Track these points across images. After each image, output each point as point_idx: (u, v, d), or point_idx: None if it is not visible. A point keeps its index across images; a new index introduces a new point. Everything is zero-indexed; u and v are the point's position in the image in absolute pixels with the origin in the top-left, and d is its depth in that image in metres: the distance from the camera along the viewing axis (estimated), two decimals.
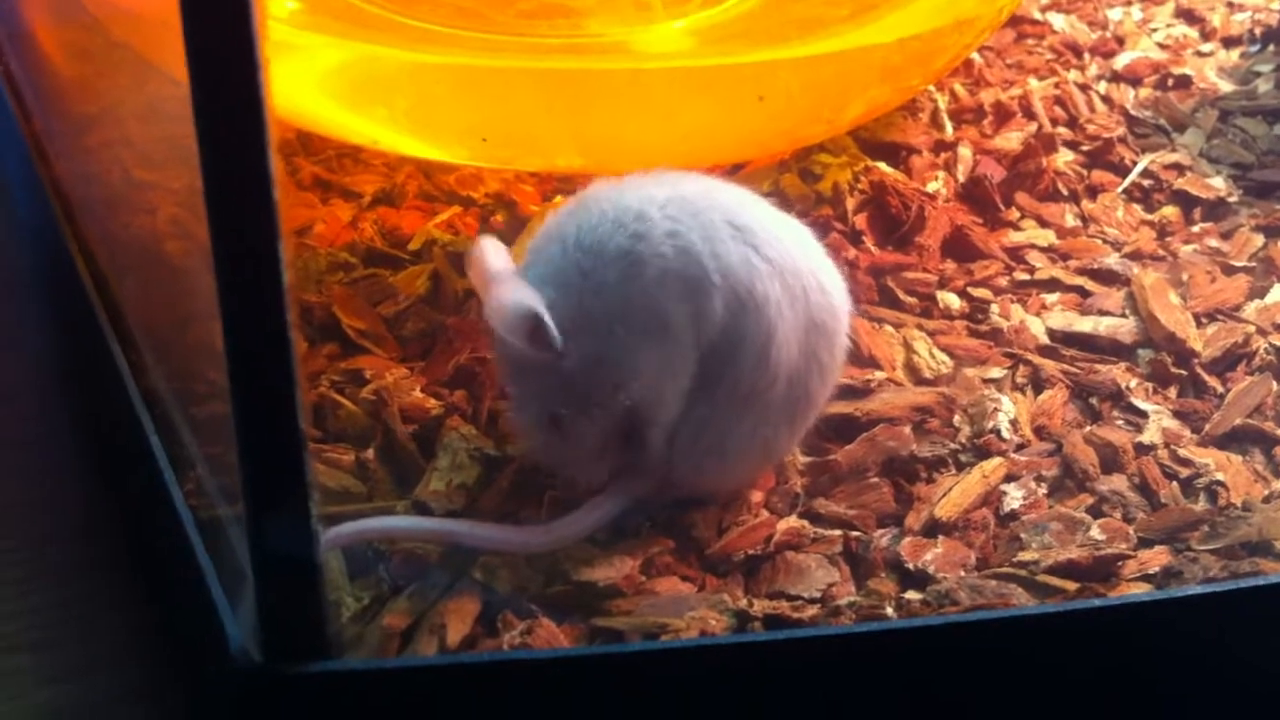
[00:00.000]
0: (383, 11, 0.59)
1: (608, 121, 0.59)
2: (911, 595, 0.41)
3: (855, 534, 0.43)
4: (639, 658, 0.37)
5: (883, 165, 0.62)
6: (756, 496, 0.45)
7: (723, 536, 0.43)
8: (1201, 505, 0.45)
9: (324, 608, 0.36)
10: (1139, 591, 0.40)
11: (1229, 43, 0.77)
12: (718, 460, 0.43)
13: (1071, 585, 0.41)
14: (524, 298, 0.40)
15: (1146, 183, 0.63)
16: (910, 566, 0.42)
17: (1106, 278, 0.57)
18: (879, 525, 0.44)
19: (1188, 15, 0.80)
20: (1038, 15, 0.79)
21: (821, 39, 0.60)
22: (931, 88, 0.68)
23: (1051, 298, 0.55)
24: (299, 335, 0.44)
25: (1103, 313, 0.54)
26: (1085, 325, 0.53)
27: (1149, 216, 0.61)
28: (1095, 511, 0.45)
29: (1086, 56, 0.75)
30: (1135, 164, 0.63)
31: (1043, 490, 0.45)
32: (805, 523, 0.44)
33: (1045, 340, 0.53)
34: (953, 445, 0.47)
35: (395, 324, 0.52)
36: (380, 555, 0.41)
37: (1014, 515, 0.44)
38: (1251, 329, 0.53)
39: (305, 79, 0.56)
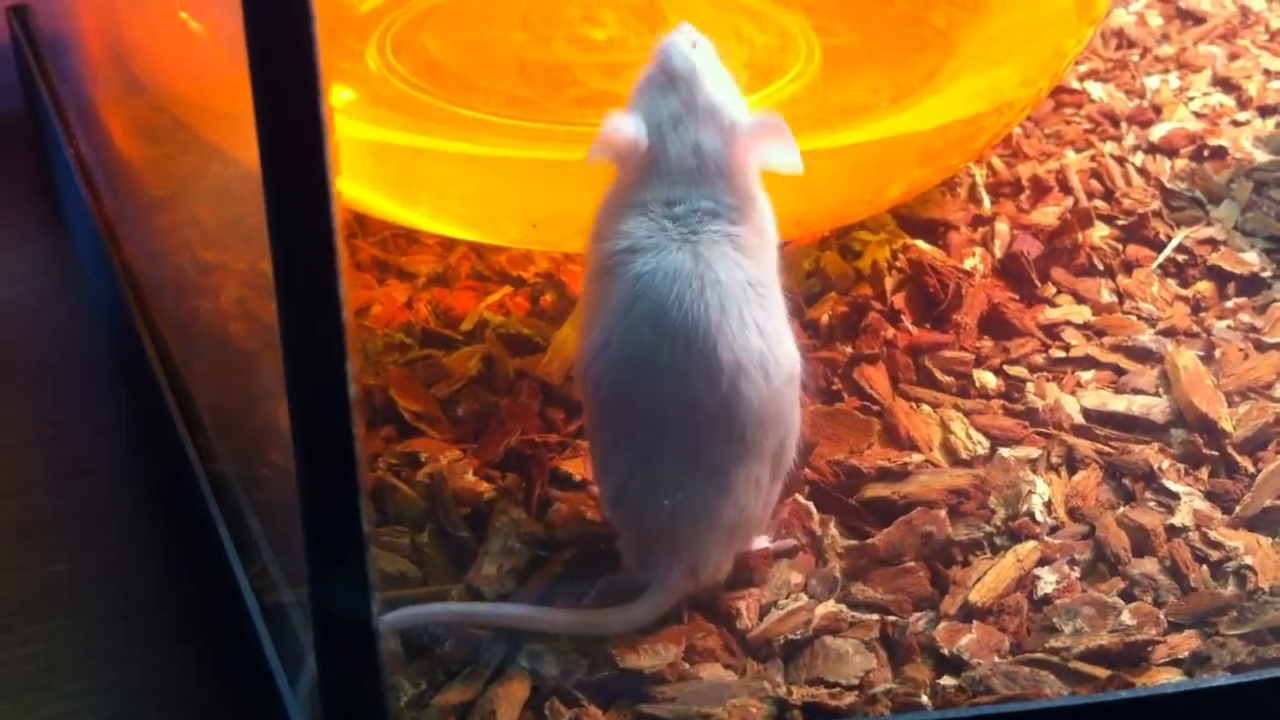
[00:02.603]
0: (437, 101, 0.61)
1: None
2: (947, 680, 0.42)
3: (892, 619, 0.45)
4: None
5: (921, 243, 0.63)
6: (797, 579, 0.46)
7: (764, 620, 0.45)
8: (1230, 589, 0.46)
9: (383, 691, 0.38)
10: (1167, 681, 0.41)
11: (1265, 111, 0.78)
12: None
13: (1103, 672, 0.42)
14: None
15: (1181, 258, 0.64)
16: (945, 652, 0.43)
17: (1141, 355, 0.58)
18: (915, 609, 0.45)
19: (1225, 83, 0.81)
20: (1075, 84, 0.81)
21: (864, 125, 0.61)
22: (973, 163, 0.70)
23: (1086, 375, 0.57)
24: (359, 417, 0.46)
25: (1136, 391, 0.56)
26: (1119, 404, 0.55)
27: (1184, 292, 0.62)
28: (1127, 595, 0.46)
29: (1124, 126, 0.76)
30: (1170, 239, 0.65)
31: (1076, 574, 0.47)
32: (844, 607, 0.45)
33: (1080, 419, 0.54)
34: (988, 528, 0.48)
35: (449, 405, 0.54)
36: (435, 639, 0.43)
37: (1047, 599, 0.46)
38: (1268, 401, 0.54)
39: (361, 167, 0.59)
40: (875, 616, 0.45)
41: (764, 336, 0.43)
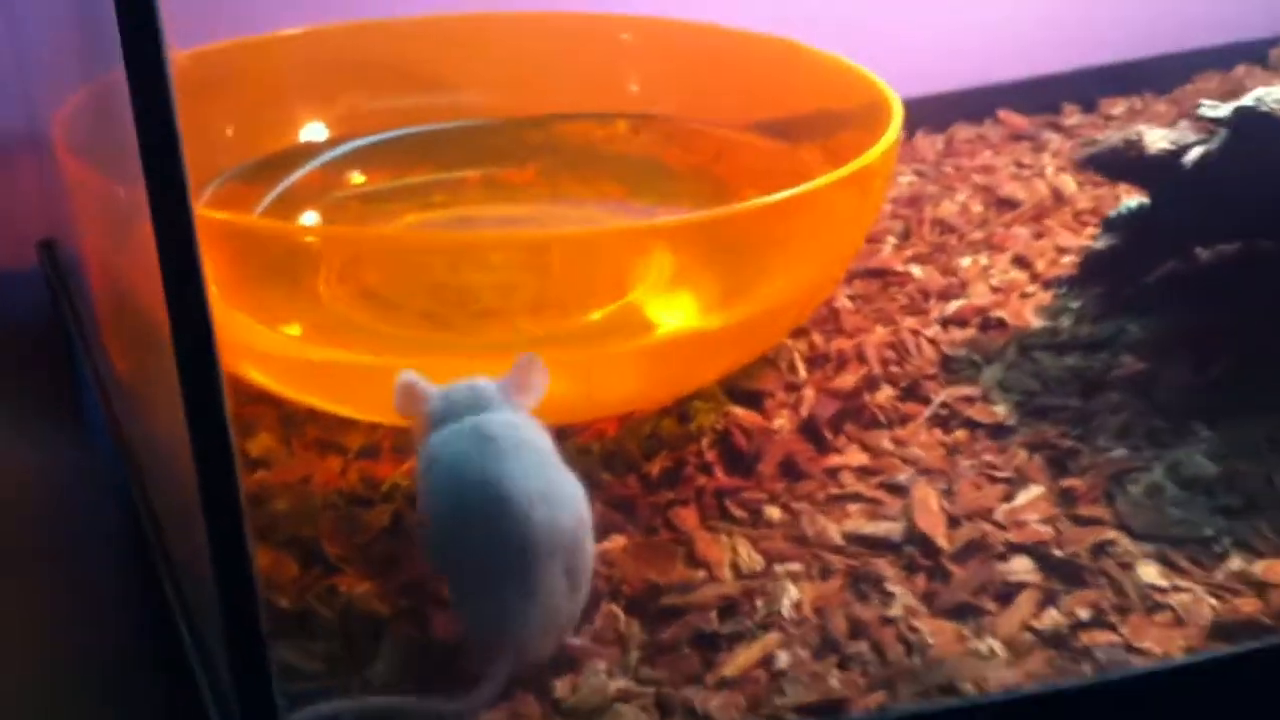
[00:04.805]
0: (368, 324, 0.81)
1: None
2: None
3: (666, 689, 0.62)
4: None
5: (739, 409, 0.82)
6: (603, 665, 0.64)
7: (575, 694, 0.62)
8: (916, 661, 0.63)
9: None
10: None
11: (1048, 284, 0.97)
12: None
13: None
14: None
15: (945, 412, 0.82)
16: (698, 710, 0.61)
17: (896, 490, 0.76)
18: (685, 683, 0.63)
19: (1021, 260, 1.00)
20: (900, 267, 1.00)
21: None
22: (791, 339, 0.89)
23: (853, 507, 0.75)
24: (292, 558, 0.65)
25: (885, 518, 0.73)
26: (870, 529, 0.73)
27: (945, 439, 0.80)
28: (841, 667, 0.63)
29: (932, 301, 0.95)
30: (937, 398, 0.83)
31: (806, 654, 0.64)
32: (634, 683, 0.63)
33: (839, 541, 0.72)
34: (749, 624, 0.66)
35: (364, 549, 0.72)
36: None
37: (782, 673, 0.63)
38: (990, 527, 0.72)
39: (309, 376, 0.78)
40: (653, 689, 0.62)
41: (548, 484, 0.61)
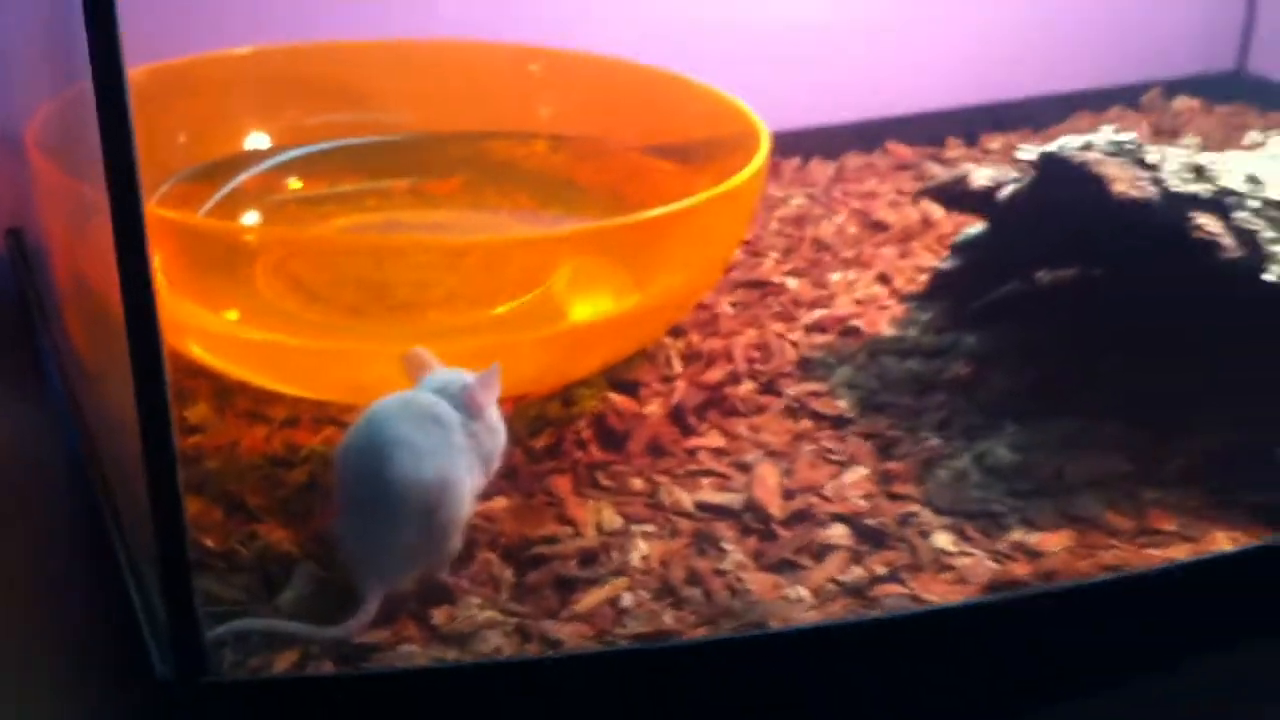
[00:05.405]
0: (298, 312, 0.93)
1: None
2: (551, 652, 0.72)
3: (528, 621, 0.75)
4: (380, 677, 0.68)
5: (617, 396, 0.94)
6: (477, 600, 0.76)
7: (451, 623, 0.74)
8: (736, 603, 0.76)
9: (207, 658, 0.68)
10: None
11: (904, 298, 1.10)
12: None
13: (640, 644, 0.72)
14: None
15: (795, 405, 0.95)
16: (551, 637, 0.73)
17: (744, 468, 0.88)
18: (545, 617, 0.75)
19: (884, 277, 1.13)
20: (777, 279, 1.13)
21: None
22: (671, 338, 1.01)
23: (706, 481, 0.87)
24: (220, 508, 0.77)
25: (730, 490, 0.86)
26: (717, 499, 0.85)
27: (793, 427, 0.93)
28: (675, 607, 0.76)
29: (802, 310, 1.08)
30: (788, 391, 0.96)
31: (648, 596, 0.77)
32: (500, 614, 0.75)
33: (690, 508, 0.85)
34: (603, 572, 0.78)
35: (285, 504, 0.84)
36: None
37: (625, 610, 0.75)
38: (817, 499, 0.84)
39: (245, 355, 0.90)
40: (516, 620, 0.75)
41: (426, 446, 0.74)
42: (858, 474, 0.87)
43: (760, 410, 0.95)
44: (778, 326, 1.05)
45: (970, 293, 1.04)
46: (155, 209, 0.92)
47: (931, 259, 1.16)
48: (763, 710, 0.71)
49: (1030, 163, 0.90)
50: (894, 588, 0.77)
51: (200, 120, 1.12)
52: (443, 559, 0.76)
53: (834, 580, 0.78)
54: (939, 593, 0.77)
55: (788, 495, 0.85)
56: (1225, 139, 1.35)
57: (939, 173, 0.98)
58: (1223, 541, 0.81)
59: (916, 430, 0.92)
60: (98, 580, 0.81)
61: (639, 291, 0.96)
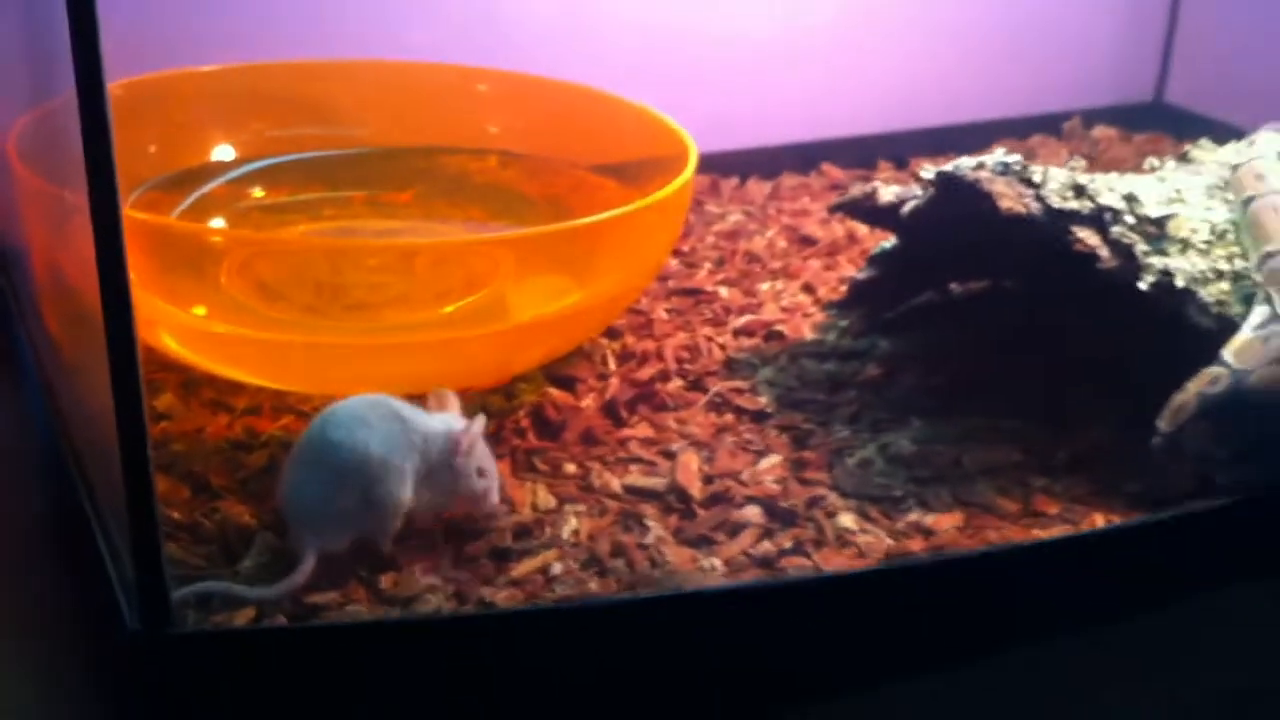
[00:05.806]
0: (260, 310, 1.00)
1: (393, 367, 1.00)
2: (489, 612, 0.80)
3: (465, 586, 0.82)
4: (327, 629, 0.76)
5: (555, 390, 1.02)
6: (423, 567, 0.83)
7: (395, 587, 0.82)
8: (656, 572, 0.84)
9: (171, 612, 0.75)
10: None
11: (827, 306, 1.18)
12: None
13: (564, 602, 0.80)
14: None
15: (719, 400, 1.03)
16: (488, 600, 0.81)
17: (669, 456, 0.96)
18: (482, 584, 0.83)
19: (809, 287, 1.21)
20: (710, 287, 1.21)
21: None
22: (608, 339, 1.09)
23: (634, 467, 0.95)
24: (186, 486, 0.84)
25: (656, 475, 0.94)
26: (643, 483, 0.93)
27: (716, 420, 1.01)
28: (599, 576, 0.84)
29: (732, 316, 1.16)
30: (713, 389, 1.04)
31: (575, 566, 0.84)
32: (440, 580, 0.83)
33: (619, 490, 0.92)
34: (536, 544, 0.86)
35: (245, 483, 0.91)
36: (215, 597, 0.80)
37: (555, 578, 0.83)
38: (734, 484, 0.92)
39: (213, 348, 0.98)
40: (455, 585, 0.82)
41: (369, 430, 0.81)
42: (773, 461, 0.95)
43: (687, 405, 1.03)
44: (708, 330, 1.13)
45: (885, 300, 1.13)
46: (129, 212, 0.99)
47: (854, 271, 1.24)
48: (673, 664, 0.79)
49: (930, 181, 0.99)
50: (799, 560, 0.85)
51: (170, 132, 1.19)
52: (383, 532, 0.83)
53: (745, 553, 0.86)
54: (840, 565, 0.85)
55: (707, 480, 0.93)
56: (1138, 165, 1.44)
57: (849, 190, 1.06)
58: (1100, 524, 0.89)
59: (829, 424, 1.00)
60: (73, 548, 0.88)
61: (576, 293, 1.04)
